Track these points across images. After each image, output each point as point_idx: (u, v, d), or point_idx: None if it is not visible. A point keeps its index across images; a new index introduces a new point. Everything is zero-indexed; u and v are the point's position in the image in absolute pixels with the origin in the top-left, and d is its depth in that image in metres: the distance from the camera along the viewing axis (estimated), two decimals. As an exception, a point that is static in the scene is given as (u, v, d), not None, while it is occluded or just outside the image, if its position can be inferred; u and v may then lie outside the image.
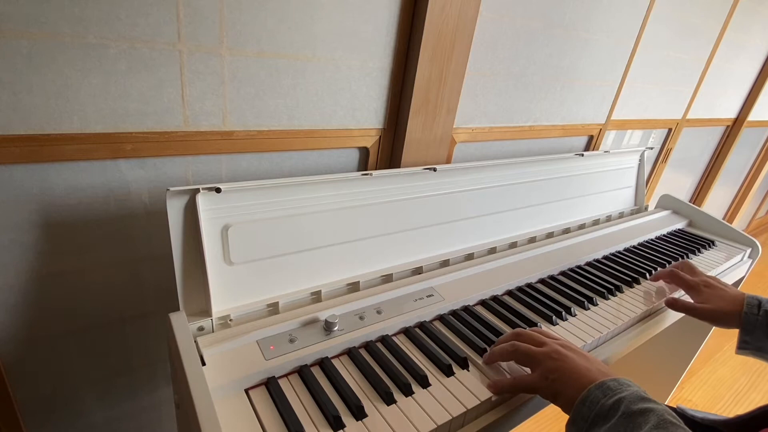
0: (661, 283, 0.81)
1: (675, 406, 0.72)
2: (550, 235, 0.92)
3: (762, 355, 0.66)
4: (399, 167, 0.79)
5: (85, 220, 0.58)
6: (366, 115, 0.76)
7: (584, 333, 0.64)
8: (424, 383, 0.50)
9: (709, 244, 1.04)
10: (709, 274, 0.89)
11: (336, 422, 0.43)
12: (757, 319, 0.64)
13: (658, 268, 0.87)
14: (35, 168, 0.53)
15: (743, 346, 0.66)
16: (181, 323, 0.49)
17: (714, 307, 0.67)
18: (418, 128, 0.79)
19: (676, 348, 1.19)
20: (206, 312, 0.53)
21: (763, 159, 2.36)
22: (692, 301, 0.71)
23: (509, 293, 0.72)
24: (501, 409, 0.51)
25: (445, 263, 0.74)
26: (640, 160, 1.18)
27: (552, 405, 0.49)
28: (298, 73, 0.66)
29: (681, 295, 0.77)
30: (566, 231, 0.96)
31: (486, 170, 0.81)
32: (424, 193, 0.73)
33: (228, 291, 0.55)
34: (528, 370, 0.51)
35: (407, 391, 0.49)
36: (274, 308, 0.58)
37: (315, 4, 0.63)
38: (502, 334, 0.60)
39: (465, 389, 0.50)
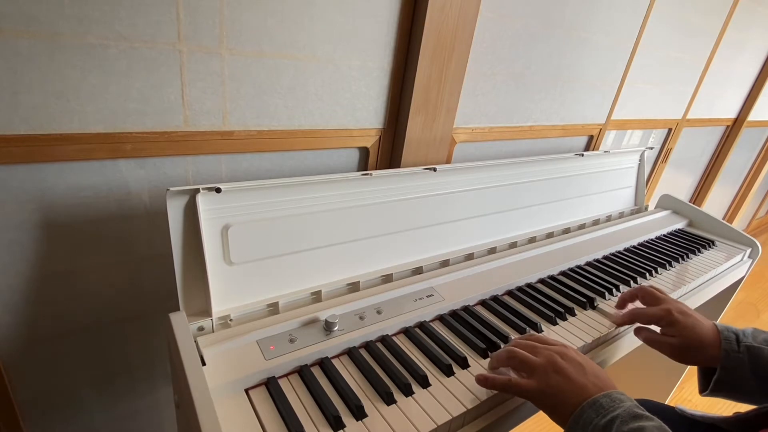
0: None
1: (675, 407, 0.72)
2: (550, 235, 0.92)
3: (735, 396, 0.58)
4: (399, 167, 0.79)
5: (85, 220, 0.58)
6: (366, 115, 0.76)
7: (584, 333, 0.64)
8: (424, 383, 0.50)
9: (709, 244, 1.04)
10: (677, 294, 0.79)
11: (336, 422, 0.43)
12: (738, 356, 0.56)
13: (659, 268, 0.87)
14: (35, 168, 0.53)
15: (718, 388, 0.57)
16: (181, 323, 0.49)
17: (689, 344, 0.58)
18: (418, 128, 0.79)
19: (676, 348, 1.18)
20: (206, 312, 0.53)
21: (763, 159, 2.36)
22: (661, 333, 0.61)
23: (509, 293, 0.72)
24: (501, 409, 0.51)
25: (445, 263, 0.74)
26: (640, 160, 1.18)
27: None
28: (298, 73, 0.66)
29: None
30: (566, 231, 0.96)
31: (486, 170, 0.81)
32: (424, 193, 0.73)
33: (228, 291, 0.55)
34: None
35: (407, 391, 0.49)
36: (274, 308, 0.58)
37: (315, 4, 0.63)
38: (503, 334, 0.60)
39: (465, 389, 0.50)
